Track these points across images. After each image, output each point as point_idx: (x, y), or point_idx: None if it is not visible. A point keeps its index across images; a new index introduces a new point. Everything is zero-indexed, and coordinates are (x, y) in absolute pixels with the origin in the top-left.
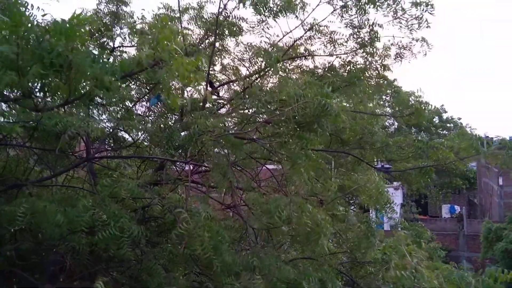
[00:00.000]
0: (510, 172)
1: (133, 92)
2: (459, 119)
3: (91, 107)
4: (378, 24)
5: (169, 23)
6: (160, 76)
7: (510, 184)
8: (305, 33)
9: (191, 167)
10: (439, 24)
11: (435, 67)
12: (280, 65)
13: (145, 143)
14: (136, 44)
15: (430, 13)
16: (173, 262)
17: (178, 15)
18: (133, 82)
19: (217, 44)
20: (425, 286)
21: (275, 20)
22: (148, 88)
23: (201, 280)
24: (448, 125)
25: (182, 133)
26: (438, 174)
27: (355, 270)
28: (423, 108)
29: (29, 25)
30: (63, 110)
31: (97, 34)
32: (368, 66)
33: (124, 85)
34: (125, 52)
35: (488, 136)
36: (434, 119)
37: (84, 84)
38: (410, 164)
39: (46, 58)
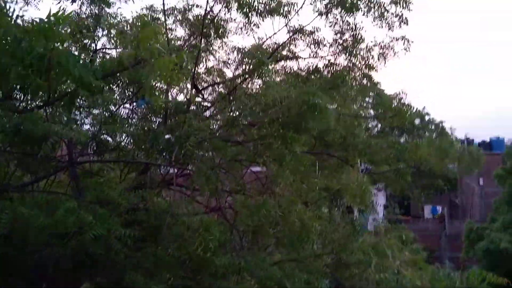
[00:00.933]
0: (491, 173)
1: (116, 95)
2: (442, 122)
3: (73, 110)
4: (361, 27)
5: (152, 22)
6: (142, 75)
7: (491, 184)
8: (291, 36)
9: (176, 171)
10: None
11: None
12: (266, 67)
13: (129, 147)
14: (117, 45)
15: (409, 10)
16: (157, 266)
17: (162, 16)
18: (115, 84)
19: (202, 46)
20: (408, 287)
21: (260, 22)
22: (131, 90)
23: (186, 284)
24: (430, 127)
25: (166, 136)
26: (419, 175)
27: (340, 272)
28: (405, 110)
29: (8, 26)
30: (44, 113)
31: (78, 36)
32: (351, 67)
33: (107, 87)
34: (108, 54)
35: (468, 138)
36: (416, 121)
37: (65, 85)
38: (390, 166)
39: (26, 59)
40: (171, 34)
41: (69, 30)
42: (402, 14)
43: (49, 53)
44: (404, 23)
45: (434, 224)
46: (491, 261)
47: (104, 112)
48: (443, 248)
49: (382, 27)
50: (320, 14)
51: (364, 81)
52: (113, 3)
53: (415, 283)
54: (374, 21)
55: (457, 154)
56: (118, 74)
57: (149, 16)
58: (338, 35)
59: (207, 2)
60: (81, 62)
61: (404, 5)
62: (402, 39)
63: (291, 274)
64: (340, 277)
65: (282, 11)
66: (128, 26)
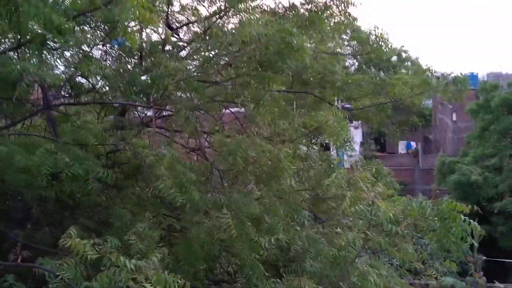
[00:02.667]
0: (464, 108)
1: (88, 35)
2: (417, 58)
3: (44, 52)
4: None
5: None
6: (115, 15)
7: (464, 119)
8: None
9: (154, 112)
10: None
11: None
12: (242, 5)
13: (105, 89)
14: None
15: None
16: (140, 206)
17: None
18: (87, 24)
19: None
20: (382, 217)
21: None
22: (104, 30)
23: (169, 222)
24: (406, 63)
25: (143, 77)
26: (395, 111)
27: (317, 206)
28: (382, 46)
29: None
30: (16, 55)
31: None
32: (329, 3)
33: (79, 27)
34: None
35: (443, 74)
36: (392, 58)
37: (34, 26)
38: (369, 102)
39: None
40: None
41: None
42: None
43: None
44: None
45: (408, 159)
46: (462, 193)
47: (77, 54)
48: (417, 181)
49: None
50: None
51: (342, 18)
52: None
53: (389, 214)
54: None
55: (442, 84)
56: (90, 14)
57: None
58: None
59: None
60: (49, 1)
61: None
62: None
63: (271, 209)
64: (317, 211)
65: None
66: None
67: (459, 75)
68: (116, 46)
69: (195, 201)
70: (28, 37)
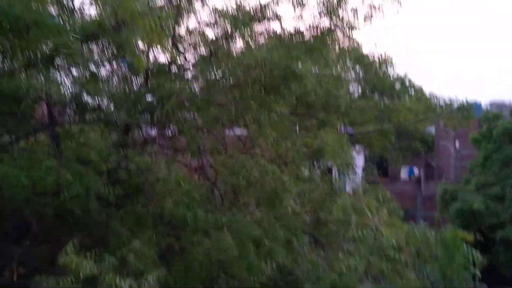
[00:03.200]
0: (466, 136)
1: (96, 56)
2: (421, 86)
3: (53, 70)
4: None
5: None
6: (123, 37)
7: (466, 147)
8: None
9: (157, 131)
10: None
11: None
12: (248, 29)
13: (110, 107)
14: (97, 4)
15: None
16: (139, 224)
17: None
18: (95, 44)
19: (183, 6)
20: (385, 243)
21: None
22: (112, 50)
23: (168, 241)
24: (410, 90)
25: (148, 97)
26: (398, 137)
27: (318, 229)
28: (385, 73)
29: None
30: (24, 73)
31: None
32: (334, 29)
33: (86, 48)
34: (86, 14)
35: (449, 100)
36: (396, 85)
37: (45, 46)
38: (372, 127)
39: (4, 21)
40: None
41: None
42: None
43: (27, 15)
44: None
45: (410, 185)
46: (464, 221)
47: (84, 72)
48: (419, 208)
49: None
50: None
51: (346, 43)
52: None
53: (392, 241)
54: None
55: (447, 111)
56: (101, 36)
57: None
58: None
59: None
60: (60, 23)
61: None
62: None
63: (270, 231)
64: (318, 234)
65: None
66: None
67: (465, 103)
68: (124, 65)
69: (200, 219)
70: (37, 56)
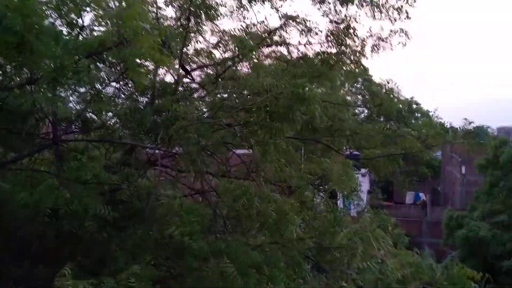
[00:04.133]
0: (473, 162)
1: (102, 73)
2: (429, 111)
3: (58, 87)
4: (355, 19)
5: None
6: (125, 55)
7: (473, 173)
8: (281, 22)
9: (161, 152)
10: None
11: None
12: (254, 53)
13: (115, 126)
14: (100, 22)
15: (410, 5)
16: (140, 247)
17: None
18: (102, 62)
19: (191, 26)
20: (390, 277)
21: (251, 6)
22: (118, 69)
23: (168, 265)
24: (417, 115)
25: (153, 118)
26: (404, 161)
27: (321, 256)
28: (392, 99)
29: None
30: (29, 89)
31: (64, 10)
32: (342, 56)
33: (92, 65)
34: (95, 31)
35: (453, 126)
36: (403, 110)
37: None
38: (379, 151)
39: (7, 38)
40: (160, 13)
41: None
42: (402, 7)
43: (28, 32)
44: (406, 17)
45: (416, 211)
46: (470, 248)
47: (90, 90)
48: (424, 234)
49: (380, 18)
50: (314, 2)
51: (353, 68)
52: None
53: (397, 274)
54: (371, 12)
55: (458, 137)
56: (104, 53)
57: None
58: (331, 24)
59: None
60: (62, 39)
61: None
62: (401, 32)
63: (271, 258)
64: (321, 261)
65: None
66: (114, 2)
67: (477, 128)
68: (131, 84)
69: (200, 246)
70: (39, 74)
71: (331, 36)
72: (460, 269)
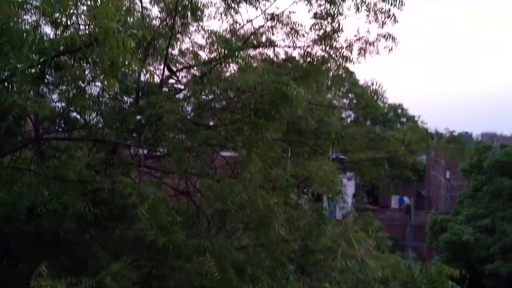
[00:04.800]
0: (457, 167)
1: (86, 72)
2: (414, 117)
3: (40, 85)
4: (340, 13)
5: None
6: (96, 56)
7: (457, 178)
8: (266, 22)
9: (145, 152)
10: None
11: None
12: (240, 54)
13: (98, 125)
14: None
15: (399, 9)
16: (121, 247)
17: None
18: (85, 61)
19: (178, 28)
20: (370, 276)
21: (237, 7)
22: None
23: (151, 265)
24: (402, 119)
25: (137, 117)
26: (389, 165)
27: (306, 258)
28: (377, 101)
29: None
30: (10, 87)
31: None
32: (328, 58)
33: (76, 63)
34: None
35: (438, 131)
36: (388, 113)
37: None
38: (364, 155)
39: None
40: (146, 12)
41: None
42: (389, 10)
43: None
44: (393, 21)
45: (400, 214)
46: (453, 252)
47: (73, 89)
48: (408, 237)
49: (368, 21)
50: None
51: (340, 71)
52: None
53: (377, 273)
54: (358, 13)
55: (442, 143)
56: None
57: None
58: (317, 21)
59: None
60: (28, 40)
61: (394, 3)
62: (388, 37)
63: (255, 259)
64: (305, 263)
65: None
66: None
67: (459, 135)
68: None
69: (178, 244)
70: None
71: (317, 34)
72: (438, 267)
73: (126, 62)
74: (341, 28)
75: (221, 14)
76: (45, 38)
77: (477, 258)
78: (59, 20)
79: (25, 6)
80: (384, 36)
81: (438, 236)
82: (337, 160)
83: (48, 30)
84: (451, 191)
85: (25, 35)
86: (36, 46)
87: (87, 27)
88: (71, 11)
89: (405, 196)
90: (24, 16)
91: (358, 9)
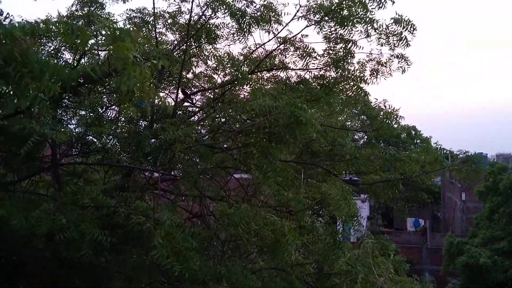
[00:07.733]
0: (472, 188)
1: (103, 97)
2: (428, 138)
3: (59, 111)
4: (353, 41)
5: (130, 31)
6: (115, 86)
7: (473, 199)
8: (279, 46)
9: (160, 175)
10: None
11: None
12: (250, 77)
13: (114, 149)
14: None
15: (411, 32)
16: (137, 271)
17: (152, 19)
18: (103, 87)
19: (192, 51)
20: None
21: (250, 31)
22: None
23: None
24: (416, 141)
25: (152, 140)
26: (404, 187)
27: (321, 282)
28: (390, 123)
29: None
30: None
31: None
32: (341, 79)
33: (94, 89)
34: (98, 56)
35: (453, 153)
36: (402, 135)
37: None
38: (378, 176)
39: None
40: (161, 38)
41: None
42: (401, 33)
43: (14, 61)
44: (405, 45)
45: (416, 237)
46: (470, 276)
47: (91, 114)
48: (424, 260)
49: (380, 44)
50: (312, 24)
51: (353, 93)
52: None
53: None
54: (369, 37)
55: (456, 164)
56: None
57: (139, 19)
58: (330, 44)
59: (201, 8)
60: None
61: (407, 27)
62: (401, 58)
63: (270, 282)
64: (321, 287)
65: (268, 18)
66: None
67: (474, 155)
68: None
69: (194, 271)
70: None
71: (329, 58)
72: None
73: (144, 93)
74: (353, 53)
75: (233, 34)
76: (65, 67)
77: (495, 281)
78: (79, 48)
79: (47, 33)
80: (397, 56)
81: (455, 259)
82: (351, 182)
83: (67, 55)
84: (467, 213)
85: (44, 65)
86: (56, 75)
87: (106, 56)
88: (91, 42)
89: (420, 219)
90: (44, 41)
91: (368, 35)
